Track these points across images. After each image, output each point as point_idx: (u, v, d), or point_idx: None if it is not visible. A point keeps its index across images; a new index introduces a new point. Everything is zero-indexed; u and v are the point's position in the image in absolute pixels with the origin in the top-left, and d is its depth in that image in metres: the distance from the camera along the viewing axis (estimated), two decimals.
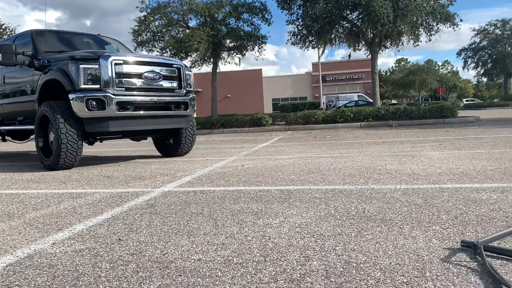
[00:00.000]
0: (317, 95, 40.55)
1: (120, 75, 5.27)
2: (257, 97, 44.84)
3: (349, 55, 21.66)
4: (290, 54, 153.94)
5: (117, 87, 5.23)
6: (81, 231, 2.38)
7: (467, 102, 52.58)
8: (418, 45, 19.25)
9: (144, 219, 2.58)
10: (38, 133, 5.63)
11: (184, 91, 6.05)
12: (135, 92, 5.43)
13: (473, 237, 1.95)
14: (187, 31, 19.83)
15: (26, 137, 7.66)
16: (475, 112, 22.95)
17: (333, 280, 1.54)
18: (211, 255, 1.87)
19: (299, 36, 19.86)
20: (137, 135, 6.38)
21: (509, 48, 51.30)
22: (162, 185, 3.84)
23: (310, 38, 19.91)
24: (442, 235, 2.00)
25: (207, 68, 22.35)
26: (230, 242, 2.05)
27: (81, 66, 5.09)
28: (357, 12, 18.50)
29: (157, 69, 5.68)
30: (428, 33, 18.72)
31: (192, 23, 20.68)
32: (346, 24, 19.69)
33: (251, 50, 21.21)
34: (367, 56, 20.79)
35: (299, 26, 19.62)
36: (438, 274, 1.55)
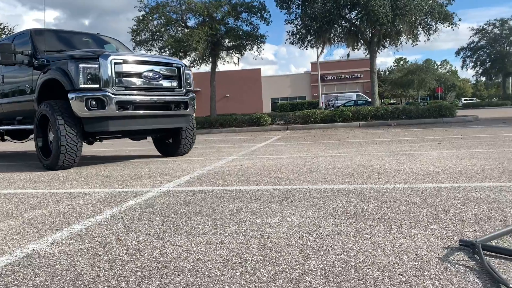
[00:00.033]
0: (316, 94, 40.59)
1: (119, 74, 5.25)
2: (256, 96, 44.86)
3: (348, 55, 21.71)
4: (289, 54, 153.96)
5: (116, 86, 5.22)
6: (80, 230, 2.38)
7: (465, 102, 52.60)
8: (417, 44, 19.33)
9: (142, 219, 2.58)
10: (37, 132, 5.62)
11: (184, 90, 6.04)
12: (134, 92, 5.42)
13: (472, 236, 1.96)
14: (186, 30, 19.84)
15: (25, 136, 7.65)
16: (474, 112, 22.98)
17: (332, 279, 1.54)
18: (210, 255, 1.87)
19: (298, 36, 19.87)
20: (136, 135, 6.37)
21: (507, 48, 51.38)
22: (161, 185, 3.84)
23: (309, 38, 19.93)
24: (441, 234, 2.01)
25: (206, 68, 22.38)
26: (229, 241, 2.05)
27: (80, 65, 5.08)
28: (356, 11, 18.52)
29: (157, 68, 5.67)
30: (427, 33, 18.77)
31: (191, 23, 20.72)
32: (345, 24, 19.71)
33: (250, 50, 21.25)
34: (365, 55, 20.81)
35: (297, 26, 19.63)
36: (437, 273, 1.56)
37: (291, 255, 1.81)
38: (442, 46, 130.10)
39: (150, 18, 19.71)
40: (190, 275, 1.65)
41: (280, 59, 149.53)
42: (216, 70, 21.79)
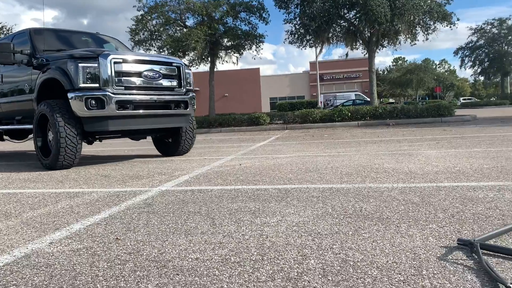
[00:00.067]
0: (315, 94, 40.60)
1: (119, 73, 5.24)
2: (254, 96, 44.86)
3: (347, 54, 21.75)
4: (287, 53, 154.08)
5: (116, 86, 5.20)
6: (79, 230, 2.38)
7: (464, 101, 52.66)
8: (416, 44, 19.35)
9: (141, 218, 2.58)
10: (36, 132, 5.60)
11: (184, 89, 6.03)
12: (134, 91, 5.41)
13: (470, 235, 1.96)
14: (185, 30, 19.84)
15: (24, 136, 7.63)
16: (472, 111, 23.00)
17: (330, 279, 1.54)
18: (209, 254, 1.87)
19: (296, 35, 19.87)
20: (136, 134, 6.36)
21: (506, 47, 51.47)
22: (159, 184, 3.84)
23: (308, 37, 19.93)
24: (439, 233, 2.01)
25: (204, 67, 22.36)
26: (228, 241, 2.05)
27: (80, 64, 5.07)
28: (355, 11, 18.53)
29: (156, 67, 5.66)
30: (425, 32, 18.78)
31: (190, 22, 20.71)
32: (344, 23, 19.71)
33: (248, 49, 21.24)
34: (364, 55, 20.83)
35: (296, 25, 19.64)
36: (435, 272, 1.56)
37: (290, 255, 1.82)
38: (440, 46, 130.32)
39: (149, 17, 19.70)
40: (189, 274, 1.65)
41: (279, 59, 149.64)
42: (215, 69, 21.78)
